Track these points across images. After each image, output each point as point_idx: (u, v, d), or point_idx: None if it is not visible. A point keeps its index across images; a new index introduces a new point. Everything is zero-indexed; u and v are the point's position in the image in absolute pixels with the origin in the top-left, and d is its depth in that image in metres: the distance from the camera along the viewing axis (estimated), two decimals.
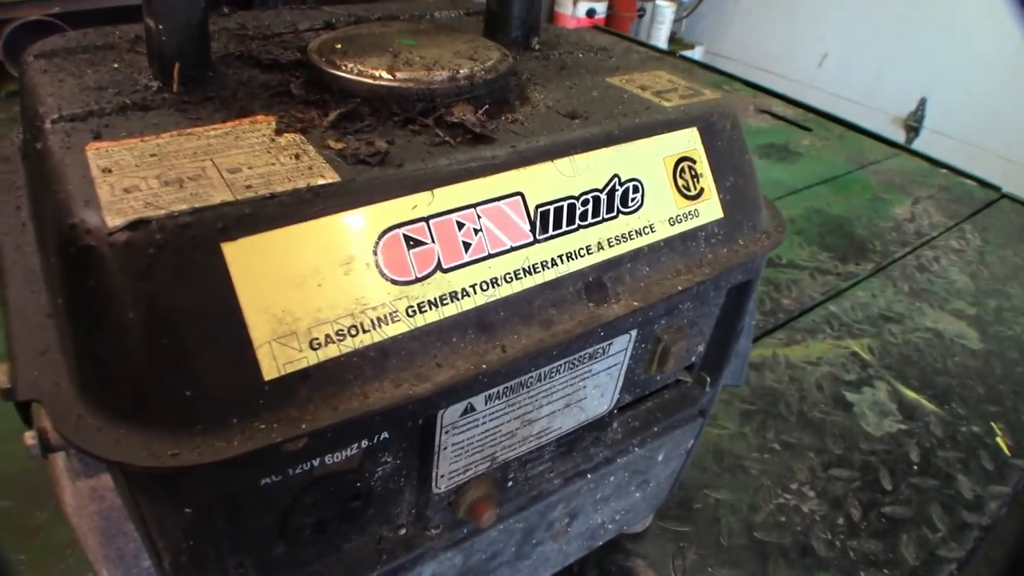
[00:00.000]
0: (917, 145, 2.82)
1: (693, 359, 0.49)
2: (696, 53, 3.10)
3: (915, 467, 0.76)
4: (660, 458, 0.51)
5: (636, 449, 0.48)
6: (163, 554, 0.31)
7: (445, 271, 0.31)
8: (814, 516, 0.69)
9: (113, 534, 0.38)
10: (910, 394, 0.86)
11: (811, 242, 1.14)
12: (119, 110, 0.35)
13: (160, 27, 0.36)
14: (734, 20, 3.19)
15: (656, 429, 0.49)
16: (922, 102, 2.81)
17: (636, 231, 0.37)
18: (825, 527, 0.68)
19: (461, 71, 0.36)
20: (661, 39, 2.93)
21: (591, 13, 2.71)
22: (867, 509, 0.70)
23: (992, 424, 0.83)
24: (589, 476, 0.46)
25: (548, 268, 0.34)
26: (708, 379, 0.50)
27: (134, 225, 0.26)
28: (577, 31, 2.17)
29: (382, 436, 0.33)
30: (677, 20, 3.11)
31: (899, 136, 2.86)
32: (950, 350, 0.94)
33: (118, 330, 0.26)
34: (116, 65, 0.41)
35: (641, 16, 2.90)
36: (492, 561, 0.45)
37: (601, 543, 0.56)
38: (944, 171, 1.47)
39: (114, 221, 0.26)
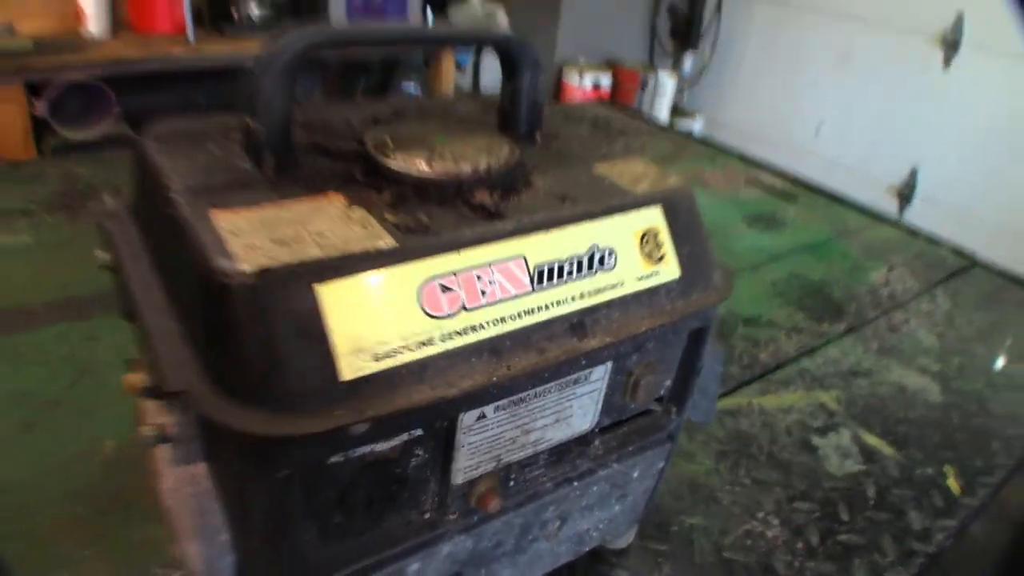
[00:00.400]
0: (909, 213, 2.97)
1: (662, 392, 0.61)
2: (697, 122, 3.28)
3: (871, 502, 0.87)
4: (635, 475, 0.63)
5: (615, 464, 0.60)
6: (256, 516, 0.43)
7: (468, 310, 0.44)
8: (777, 541, 0.79)
9: (203, 512, 0.50)
10: (871, 440, 0.97)
11: (790, 303, 1.27)
12: (227, 187, 0.48)
13: (258, 126, 0.50)
14: (734, 91, 3.39)
15: (631, 448, 0.60)
16: (913, 172, 2.97)
17: (610, 286, 0.50)
18: (786, 551, 0.78)
19: (481, 165, 0.49)
20: (663, 110, 3.11)
21: (597, 86, 2.90)
22: (824, 536, 0.81)
23: (945, 467, 0.94)
24: (575, 484, 0.58)
25: (542, 311, 0.47)
26: (675, 409, 0.62)
27: (260, 272, 0.38)
28: (580, 108, 2.34)
29: (417, 433, 0.45)
30: (679, 91, 3.31)
31: (892, 204, 3.01)
32: (912, 402, 1.06)
33: (244, 345, 0.39)
34: (215, 150, 0.54)
35: (644, 88, 3.08)
36: (496, 550, 0.56)
37: (587, 549, 0.67)
38: (921, 239, 1.60)
39: (247, 268, 0.38)
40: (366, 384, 0.40)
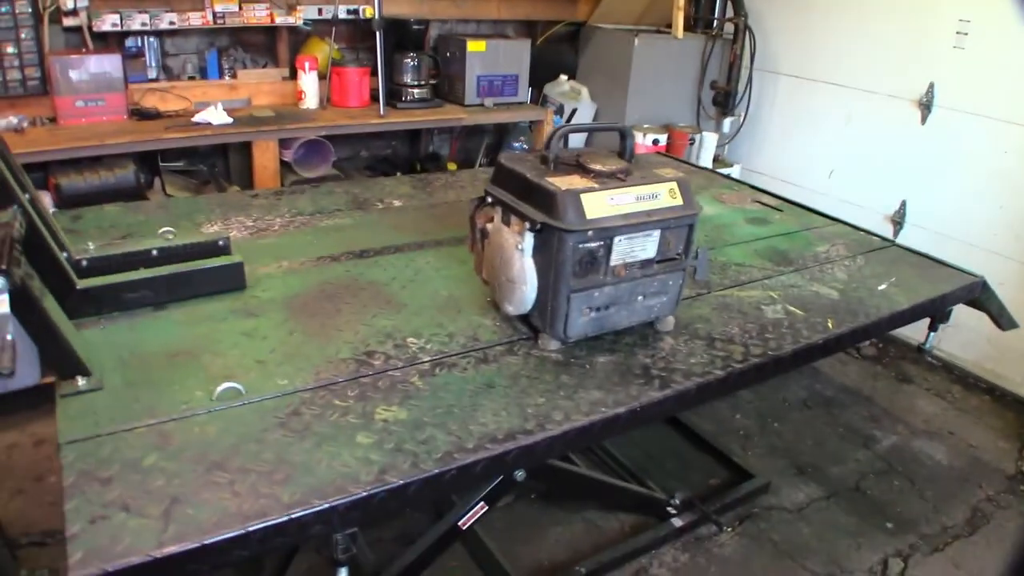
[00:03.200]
0: (903, 236, 4.04)
1: (680, 248, 1.77)
2: (735, 170, 4.45)
3: (783, 327, 1.98)
4: (670, 283, 1.79)
5: (662, 275, 1.76)
6: (554, 267, 1.61)
7: (618, 205, 1.62)
8: (736, 333, 1.92)
9: (529, 274, 1.68)
10: (792, 308, 2.09)
11: (763, 259, 2.40)
12: (540, 172, 1.68)
13: (547, 154, 1.70)
14: (764, 145, 4.56)
15: (668, 269, 1.76)
16: (903, 204, 4.05)
17: (658, 204, 1.67)
18: (741, 334, 1.91)
19: (616, 167, 1.68)
20: (707, 161, 4.30)
21: (656, 142, 4.11)
22: (759, 333, 1.93)
23: (828, 319, 2.05)
24: (647, 279, 1.74)
25: (638, 208, 1.64)
26: (683, 256, 1.78)
27: (564, 190, 1.57)
28: (646, 156, 3.55)
29: (601, 242, 1.62)
30: (720, 146, 4.50)
31: (889, 229, 4.09)
32: (820, 299, 2.17)
33: (560, 208, 1.57)
34: (529, 161, 1.74)
35: (692, 143, 4.28)
36: (620, 298, 1.72)
37: (653, 318, 1.82)
38: (861, 232, 2.72)
39: (561, 188, 1.57)
40: (592, 220, 1.58)
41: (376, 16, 3.52)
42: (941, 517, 2.99)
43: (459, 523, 1.85)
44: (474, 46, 3.88)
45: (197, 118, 3.34)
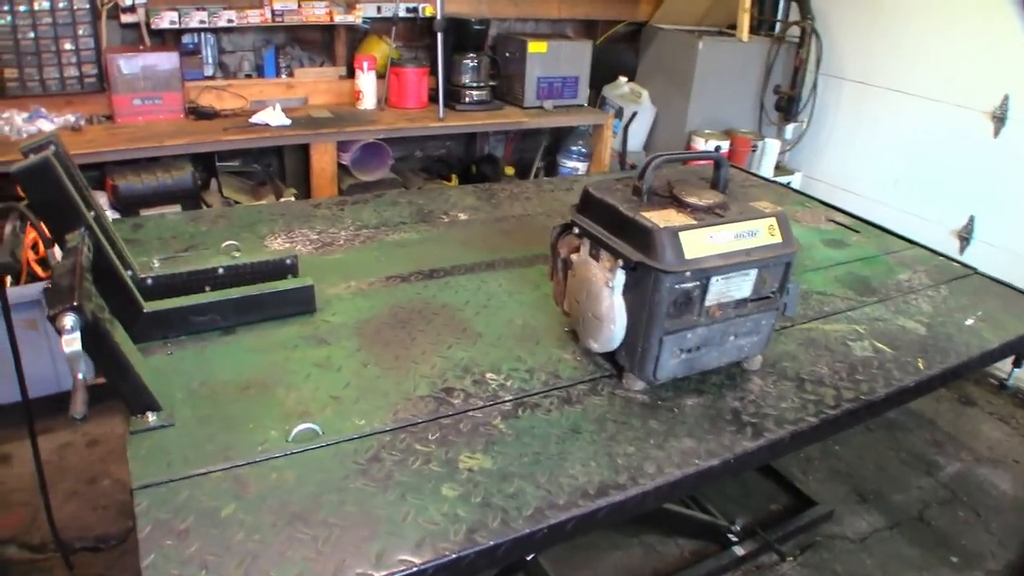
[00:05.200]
0: (970, 252, 3.87)
1: (775, 287, 1.65)
2: (796, 177, 4.29)
3: (873, 366, 1.87)
4: (763, 322, 1.67)
5: (755, 314, 1.65)
6: (647, 307, 1.50)
7: (716, 243, 1.51)
8: (826, 374, 1.80)
9: (619, 313, 1.58)
10: (880, 345, 1.97)
11: (845, 287, 2.28)
12: (632, 204, 1.57)
13: (640, 184, 1.59)
14: (826, 152, 4.40)
15: (762, 308, 1.65)
16: (971, 219, 3.88)
17: (757, 243, 1.56)
18: (831, 374, 1.79)
19: (713, 200, 1.57)
20: (768, 168, 4.15)
21: (718, 148, 3.97)
22: (849, 374, 1.81)
23: (918, 358, 1.93)
24: (741, 318, 1.63)
25: (737, 246, 1.53)
26: (778, 295, 1.66)
27: (663, 228, 1.47)
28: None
29: (697, 283, 1.52)
30: (782, 153, 4.34)
31: (955, 245, 3.92)
32: (907, 334, 2.05)
33: (658, 248, 1.47)
34: (619, 190, 1.64)
35: (754, 151, 4.13)
36: (712, 339, 1.61)
37: (742, 357, 1.71)
38: (940, 257, 2.58)
39: (660, 226, 1.47)
40: (691, 261, 1.47)
41: (438, 16, 3.42)
42: (1007, 552, 2.86)
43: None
44: (535, 47, 3.77)
45: (255, 119, 3.27)
